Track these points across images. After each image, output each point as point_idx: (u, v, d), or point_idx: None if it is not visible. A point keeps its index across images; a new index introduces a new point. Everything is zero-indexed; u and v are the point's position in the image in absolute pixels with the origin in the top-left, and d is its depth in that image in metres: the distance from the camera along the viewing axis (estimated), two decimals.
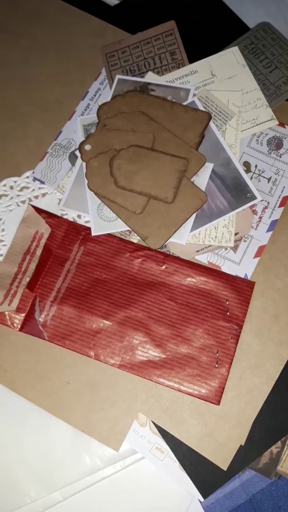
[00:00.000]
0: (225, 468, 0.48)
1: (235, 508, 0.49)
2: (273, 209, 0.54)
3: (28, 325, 0.51)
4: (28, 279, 0.52)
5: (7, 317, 0.51)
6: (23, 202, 0.56)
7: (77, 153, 0.56)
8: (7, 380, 0.51)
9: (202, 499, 0.48)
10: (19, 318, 0.51)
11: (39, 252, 0.53)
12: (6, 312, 0.51)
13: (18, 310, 0.51)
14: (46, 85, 0.60)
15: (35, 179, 0.56)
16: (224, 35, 0.59)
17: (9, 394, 0.50)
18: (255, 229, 0.53)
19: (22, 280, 0.52)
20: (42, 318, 0.51)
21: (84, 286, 0.52)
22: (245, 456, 0.48)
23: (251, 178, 0.55)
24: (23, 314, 0.51)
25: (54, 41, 0.62)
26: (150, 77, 0.58)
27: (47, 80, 0.60)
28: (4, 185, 0.56)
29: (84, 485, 0.49)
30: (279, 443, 0.49)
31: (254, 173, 0.55)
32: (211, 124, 0.54)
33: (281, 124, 0.56)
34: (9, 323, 0.51)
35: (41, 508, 0.49)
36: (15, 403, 0.50)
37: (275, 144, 0.56)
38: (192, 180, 0.53)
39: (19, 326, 0.51)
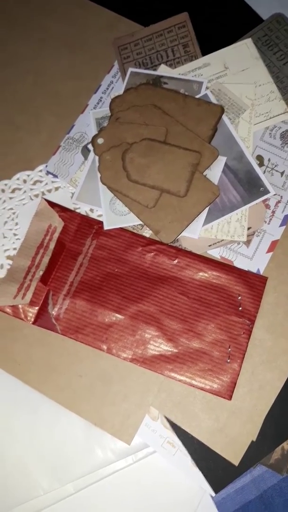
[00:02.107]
0: (236, 463, 0.48)
1: (246, 503, 0.49)
2: (286, 204, 0.53)
3: (42, 318, 0.51)
4: (41, 273, 0.52)
5: (21, 310, 0.51)
6: (36, 196, 0.56)
7: (90, 146, 0.56)
8: (20, 372, 0.51)
9: (213, 494, 0.48)
10: (32, 311, 0.51)
11: (52, 246, 0.53)
12: (20, 305, 0.51)
13: (32, 303, 0.51)
14: (59, 79, 0.60)
15: (48, 172, 0.56)
16: (237, 27, 0.59)
17: (22, 386, 0.51)
18: (268, 223, 0.53)
19: (36, 273, 0.52)
20: (55, 311, 0.51)
21: (96, 280, 0.52)
22: (256, 452, 0.48)
23: (264, 172, 0.54)
24: (37, 308, 0.51)
25: (66, 34, 0.61)
26: (163, 70, 0.57)
27: (59, 73, 0.60)
28: (17, 179, 0.57)
29: (96, 478, 0.50)
30: None
31: (267, 167, 0.54)
32: (224, 117, 0.54)
33: None
34: (23, 316, 0.51)
35: (54, 500, 0.49)
36: (28, 396, 0.51)
37: None
38: (204, 173, 0.52)
39: (32, 319, 0.51)
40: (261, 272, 0.52)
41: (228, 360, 0.49)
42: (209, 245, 0.53)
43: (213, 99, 0.54)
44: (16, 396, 0.51)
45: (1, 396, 0.51)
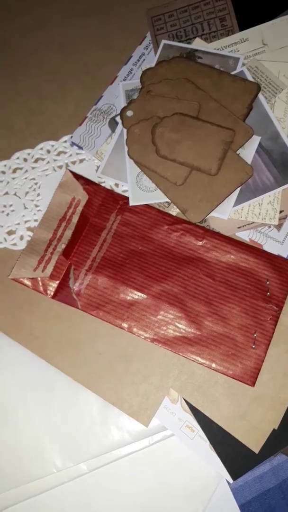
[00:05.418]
0: (257, 451, 0.47)
1: (264, 492, 0.47)
2: None
3: (62, 293, 0.50)
4: (63, 246, 0.50)
5: (40, 283, 0.50)
6: (60, 167, 0.54)
7: (118, 119, 0.54)
8: (37, 347, 0.50)
9: (231, 481, 0.47)
10: (52, 285, 0.50)
11: (75, 219, 0.51)
12: (39, 279, 0.50)
13: (52, 277, 0.50)
14: (87, 48, 0.58)
15: (73, 144, 0.54)
16: (278, 2, 0.56)
17: (39, 361, 0.49)
18: None
19: (57, 247, 0.50)
20: (76, 286, 0.50)
21: (119, 257, 0.50)
22: (277, 441, 0.47)
23: None
24: (57, 282, 0.50)
25: (97, 2, 0.59)
26: (198, 44, 0.55)
27: (88, 42, 0.58)
28: (41, 149, 0.55)
29: (110, 458, 0.48)
30: None
31: None
32: (260, 95, 0.52)
33: None
34: (42, 289, 0.50)
35: (66, 478, 0.48)
36: (44, 371, 0.49)
37: None
38: (237, 152, 0.50)
39: (52, 293, 0.50)
40: None
41: (253, 346, 0.47)
42: (238, 227, 0.51)
43: (249, 77, 0.52)
44: (32, 371, 0.50)
45: (17, 371, 0.50)
